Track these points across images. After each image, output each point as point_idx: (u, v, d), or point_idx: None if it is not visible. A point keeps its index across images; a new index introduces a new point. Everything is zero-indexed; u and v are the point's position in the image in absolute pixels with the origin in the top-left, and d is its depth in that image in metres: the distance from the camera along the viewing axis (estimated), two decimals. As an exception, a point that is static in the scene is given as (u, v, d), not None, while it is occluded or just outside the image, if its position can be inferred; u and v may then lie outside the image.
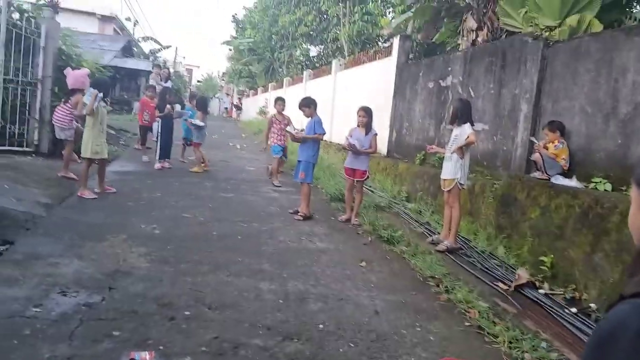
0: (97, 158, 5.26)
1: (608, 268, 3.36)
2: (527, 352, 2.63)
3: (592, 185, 4.10)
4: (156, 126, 7.79)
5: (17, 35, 6.50)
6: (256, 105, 22.85)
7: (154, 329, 2.47)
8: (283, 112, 7.34)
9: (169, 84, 10.81)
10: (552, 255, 3.87)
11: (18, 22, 6.71)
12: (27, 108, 6.78)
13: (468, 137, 4.33)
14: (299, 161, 5.66)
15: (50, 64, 6.97)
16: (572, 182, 4.29)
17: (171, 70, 18.05)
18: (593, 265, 3.50)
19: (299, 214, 5.36)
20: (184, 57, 49.73)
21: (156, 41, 26.07)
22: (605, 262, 3.39)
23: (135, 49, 24.11)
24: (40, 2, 8.02)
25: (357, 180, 5.40)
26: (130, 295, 2.84)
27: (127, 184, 6.14)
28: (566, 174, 4.48)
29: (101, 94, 5.09)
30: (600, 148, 4.26)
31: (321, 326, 2.74)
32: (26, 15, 6.94)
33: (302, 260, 3.90)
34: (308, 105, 5.58)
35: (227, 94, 33.92)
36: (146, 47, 26.79)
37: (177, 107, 8.09)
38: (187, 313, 2.70)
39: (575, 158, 4.50)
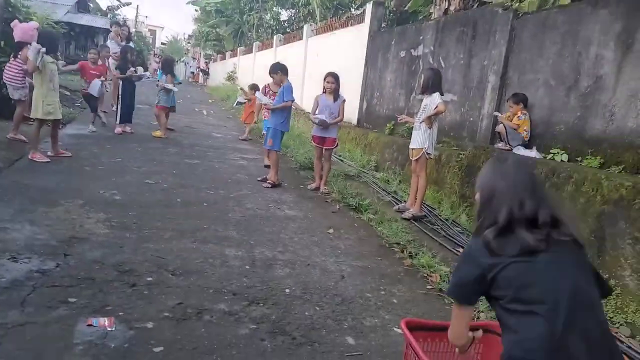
0: (49, 119, 4.89)
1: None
2: (482, 311, 2.77)
3: (550, 155, 4.28)
4: (97, 85, 6.91)
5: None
6: (224, 70, 21.95)
7: (114, 295, 2.39)
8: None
9: (130, 44, 10.04)
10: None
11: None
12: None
13: (437, 106, 4.35)
14: (267, 128, 5.52)
15: (-7, 14, 6.29)
16: (532, 153, 4.46)
17: (132, 30, 16.80)
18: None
19: (267, 181, 5.29)
20: (147, 17, 46.60)
21: (114, -4, 24.16)
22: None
23: (91, 4, 22.26)
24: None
25: (325, 149, 5.35)
26: (87, 261, 2.72)
27: (84, 148, 5.79)
28: (527, 144, 4.64)
29: (44, 49, 4.65)
30: (561, 120, 4.40)
31: (288, 291, 2.76)
32: None
33: (269, 227, 3.88)
34: (276, 71, 5.40)
35: (194, 58, 32.28)
36: (103, 3, 24.81)
37: (140, 69, 7.58)
38: (149, 279, 2.63)
39: (537, 130, 4.65)
